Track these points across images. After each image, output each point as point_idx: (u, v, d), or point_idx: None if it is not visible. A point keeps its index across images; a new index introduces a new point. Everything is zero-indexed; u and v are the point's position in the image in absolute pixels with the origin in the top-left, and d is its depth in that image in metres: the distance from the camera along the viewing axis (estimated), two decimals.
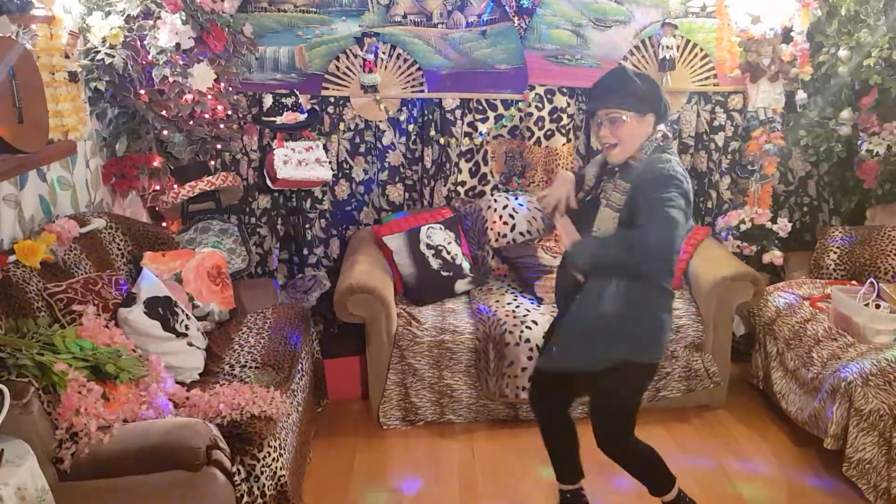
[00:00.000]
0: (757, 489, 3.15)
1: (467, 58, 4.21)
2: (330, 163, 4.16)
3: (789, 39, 4.07)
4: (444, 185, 4.34)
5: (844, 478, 3.04)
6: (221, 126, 3.73)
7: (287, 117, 4.02)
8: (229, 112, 3.79)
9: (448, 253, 3.89)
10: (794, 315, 3.61)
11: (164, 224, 3.79)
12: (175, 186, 3.63)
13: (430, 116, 4.26)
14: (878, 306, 3.40)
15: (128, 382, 2.37)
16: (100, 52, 3.23)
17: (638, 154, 2.44)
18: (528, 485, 3.18)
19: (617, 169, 2.48)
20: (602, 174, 2.57)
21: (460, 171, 4.35)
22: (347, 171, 4.32)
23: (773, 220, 4.27)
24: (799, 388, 3.40)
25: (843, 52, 3.93)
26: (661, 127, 2.49)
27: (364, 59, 4.14)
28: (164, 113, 3.44)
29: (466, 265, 3.95)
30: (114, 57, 3.23)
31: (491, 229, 4.11)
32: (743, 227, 4.23)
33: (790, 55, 4.05)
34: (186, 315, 2.97)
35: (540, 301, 3.73)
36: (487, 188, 4.35)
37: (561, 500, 2.84)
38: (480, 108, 4.27)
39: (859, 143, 4.02)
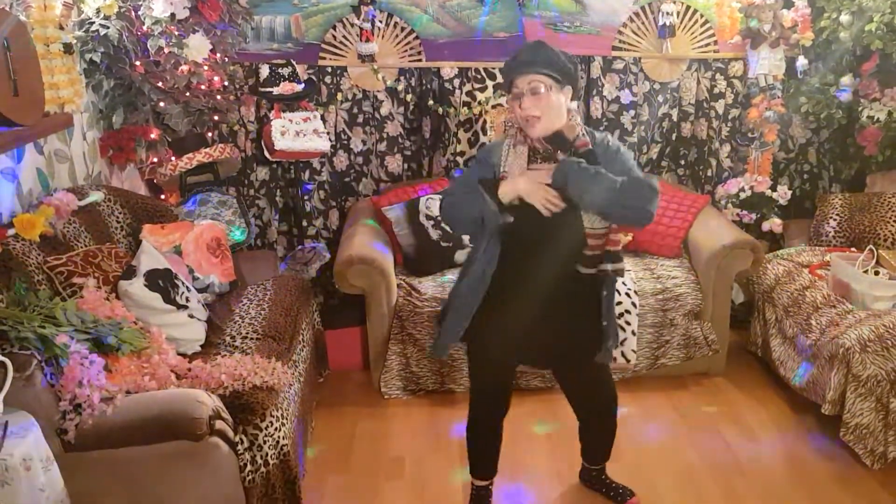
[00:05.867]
0: (755, 455, 3.18)
1: (465, 26, 4.17)
2: (328, 133, 4.14)
3: (790, 5, 4.04)
4: (444, 156, 4.32)
5: (842, 442, 3.07)
6: (218, 97, 3.70)
7: (284, 88, 4.00)
8: (226, 83, 3.76)
9: None
10: (792, 282, 3.61)
11: (162, 196, 3.78)
12: (173, 158, 3.61)
13: (429, 86, 4.23)
14: (876, 273, 3.41)
15: (130, 354, 2.38)
16: (94, 23, 3.20)
17: (570, 131, 2.36)
18: (527, 451, 3.21)
19: (554, 152, 2.37)
20: (534, 161, 2.41)
21: (459, 141, 4.33)
22: (346, 142, 4.31)
23: (773, 188, 4.26)
24: (797, 355, 3.42)
25: (844, 18, 3.89)
26: (573, 105, 2.41)
27: (361, 28, 4.10)
28: (160, 84, 3.41)
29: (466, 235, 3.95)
30: (108, 28, 3.20)
31: None
32: (743, 196, 4.23)
33: (791, 21, 4.02)
34: (187, 287, 2.98)
35: None
36: None
37: (475, 496, 2.82)
38: (479, 76, 4.24)
39: (860, 109, 4.01)
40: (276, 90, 4.00)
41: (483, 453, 2.79)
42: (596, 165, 2.31)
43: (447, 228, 3.83)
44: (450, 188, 2.67)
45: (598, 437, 2.85)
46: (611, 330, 2.51)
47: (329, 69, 4.20)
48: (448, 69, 4.20)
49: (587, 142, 2.36)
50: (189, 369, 2.50)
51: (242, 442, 2.32)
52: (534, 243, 2.40)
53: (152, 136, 3.51)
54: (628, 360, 3.62)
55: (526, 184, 2.34)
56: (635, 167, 2.38)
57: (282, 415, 2.48)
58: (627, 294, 3.58)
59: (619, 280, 2.65)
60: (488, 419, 2.73)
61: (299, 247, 4.28)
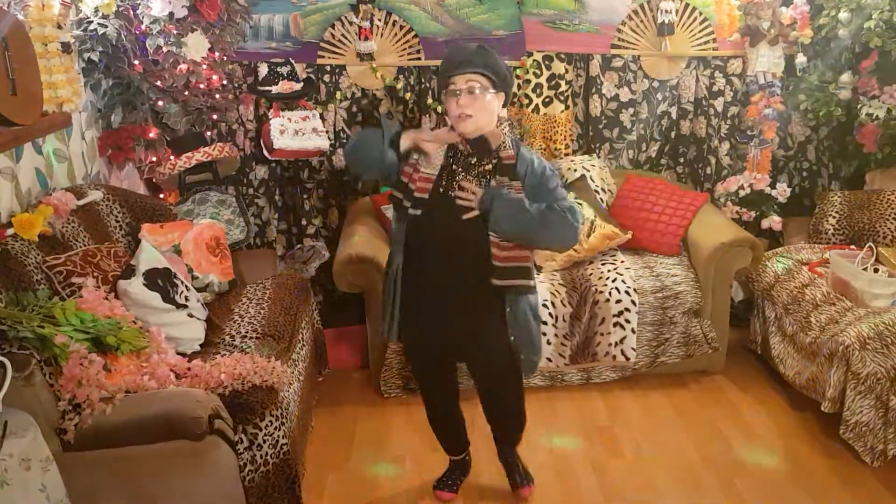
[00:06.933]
0: (755, 453, 3.18)
1: (464, 24, 4.17)
2: (327, 132, 4.14)
3: (789, 2, 4.04)
4: None
5: (842, 440, 3.07)
6: (217, 96, 3.70)
7: (283, 86, 3.99)
8: (224, 82, 3.76)
9: None
10: (792, 280, 3.61)
11: (161, 196, 3.78)
12: (171, 157, 3.61)
13: (428, 84, 4.23)
14: (876, 270, 3.41)
15: (129, 354, 2.38)
16: (92, 22, 3.19)
17: (495, 138, 2.44)
18: (526, 450, 3.20)
19: (476, 159, 2.45)
20: (454, 162, 2.47)
21: None
22: (345, 141, 4.30)
23: (772, 186, 4.26)
24: (797, 353, 3.42)
25: (843, 15, 3.89)
26: (504, 112, 2.50)
27: (360, 27, 4.10)
28: (158, 83, 3.40)
29: None
30: (107, 27, 3.19)
31: None
32: (742, 193, 4.23)
33: (790, 18, 4.02)
34: (186, 286, 2.97)
35: (539, 269, 3.73)
36: None
37: (453, 466, 2.98)
38: None
39: (859, 106, 4.00)
40: (274, 89, 3.99)
41: (447, 436, 2.94)
42: (515, 183, 2.40)
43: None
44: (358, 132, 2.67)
45: (502, 432, 2.88)
46: (521, 342, 2.53)
47: (328, 68, 4.20)
48: None
49: (512, 155, 2.43)
50: (188, 368, 2.50)
51: (242, 441, 2.32)
52: (442, 242, 2.46)
53: (151, 135, 3.51)
54: (628, 359, 3.63)
55: (425, 133, 2.45)
56: (559, 193, 2.44)
57: (281, 414, 2.47)
58: (627, 292, 3.58)
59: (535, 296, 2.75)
60: (439, 408, 2.86)
61: (298, 245, 4.28)
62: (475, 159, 2.44)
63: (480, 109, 2.38)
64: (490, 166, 2.44)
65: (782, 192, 4.25)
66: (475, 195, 2.38)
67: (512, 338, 2.51)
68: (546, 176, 2.44)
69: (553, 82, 4.25)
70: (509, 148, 2.44)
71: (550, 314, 3.52)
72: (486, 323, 2.52)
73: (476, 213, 2.39)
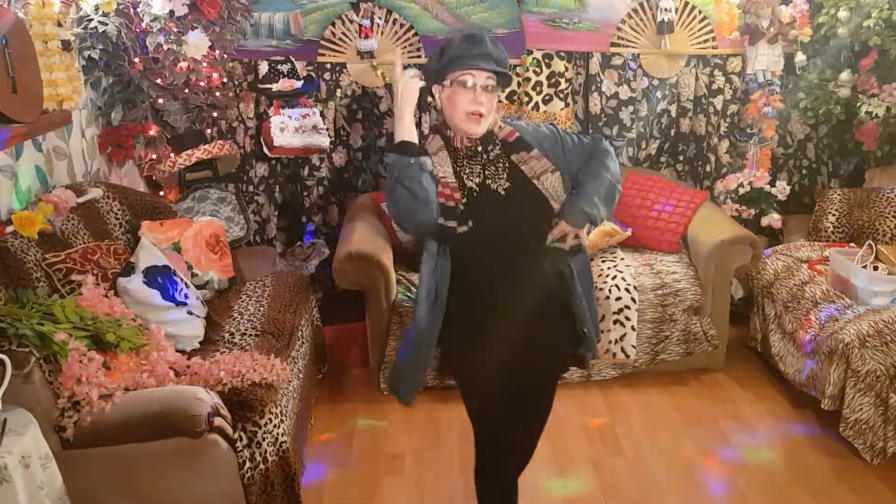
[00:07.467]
0: (755, 451, 3.18)
1: (464, 22, 4.16)
2: (327, 130, 4.14)
3: (788, 1, 4.03)
4: None
5: (842, 438, 3.07)
6: (217, 94, 3.70)
7: (283, 84, 3.99)
8: (225, 80, 3.76)
9: None
10: (792, 278, 3.61)
11: (161, 193, 3.78)
12: (171, 155, 3.61)
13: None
14: (875, 268, 3.41)
15: (128, 351, 2.38)
16: (93, 20, 3.19)
17: (493, 123, 2.18)
18: None
19: (481, 148, 2.17)
20: (463, 157, 2.18)
21: None
22: (345, 138, 4.30)
23: (772, 184, 4.26)
24: (797, 350, 3.42)
25: (842, 14, 3.89)
26: None
27: (360, 25, 4.10)
28: (158, 81, 3.40)
29: None
30: (107, 25, 3.19)
31: None
32: (741, 191, 4.23)
33: (789, 17, 4.02)
34: (185, 284, 2.97)
35: None
36: None
37: None
38: None
39: (858, 105, 4.00)
40: (275, 87, 3.99)
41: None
42: (533, 152, 2.17)
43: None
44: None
45: (523, 454, 2.49)
46: (592, 318, 2.31)
47: (328, 66, 4.20)
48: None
49: (513, 130, 2.21)
50: (188, 366, 2.50)
51: (241, 439, 2.32)
52: (500, 239, 2.14)
53: (151, 132, 3.51)
54: (628, 356, 3.63)
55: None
56: (577, 140, 2.25)
57: (281, 411, 2.48)
58: (627, 289, 3.58)
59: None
60: (501, 468, 2.41)
61: (298, 243, 4.28)
62: (480, 148, 2.17)
63: (491, 108, 2.14)
64: (498, 150, 2.18)
65: (782, 189, 4.25)
66: (564, 230, 2.15)
67: (583, 328, 2.26)
68: (559, 135, 2.24)
69: (553, 80, 4.25)
70: (504, 126, 2.22)
71: None
72: (558, 315, 2.25)
73: (583, 230, 2.19)
